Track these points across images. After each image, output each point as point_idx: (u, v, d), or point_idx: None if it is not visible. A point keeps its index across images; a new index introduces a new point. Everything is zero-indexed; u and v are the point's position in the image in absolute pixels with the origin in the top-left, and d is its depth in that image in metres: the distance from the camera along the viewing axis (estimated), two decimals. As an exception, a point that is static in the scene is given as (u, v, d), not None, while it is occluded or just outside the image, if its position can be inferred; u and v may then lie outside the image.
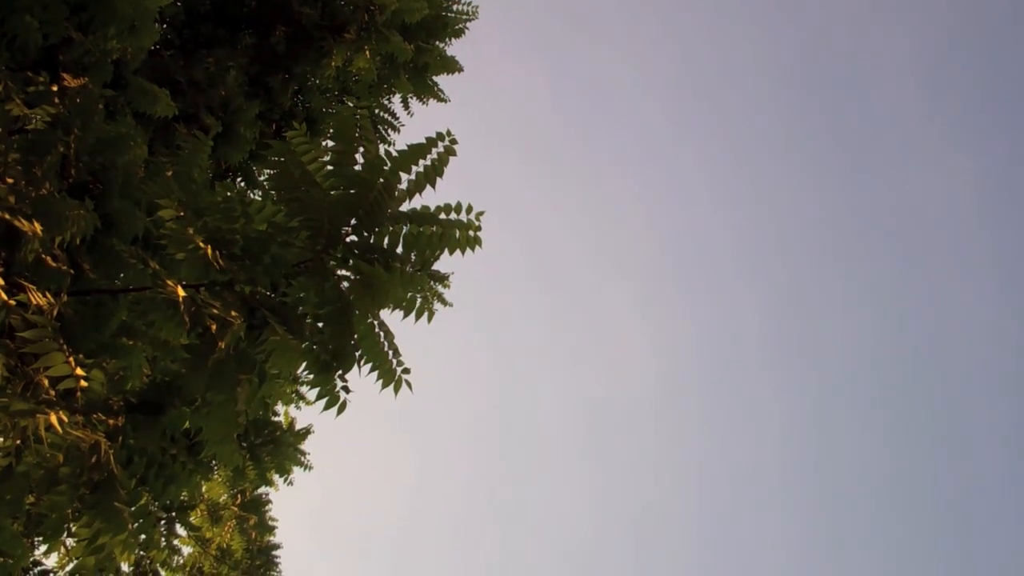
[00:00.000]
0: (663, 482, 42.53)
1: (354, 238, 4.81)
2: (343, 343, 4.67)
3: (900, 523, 41.02)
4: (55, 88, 5.30)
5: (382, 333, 4.70)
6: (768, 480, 42.27)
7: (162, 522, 8.90)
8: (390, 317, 4.79)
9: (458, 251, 4.74)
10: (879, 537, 39.88)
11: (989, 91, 37.10)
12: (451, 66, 12.49)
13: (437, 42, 12.34)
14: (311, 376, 4.73)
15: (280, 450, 7.80)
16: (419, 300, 4.80)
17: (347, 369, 4.65)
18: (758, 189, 39.44)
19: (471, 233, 4.72)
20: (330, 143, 4.71)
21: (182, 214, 4.65)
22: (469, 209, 4.71)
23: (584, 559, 41.20)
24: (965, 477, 41.13)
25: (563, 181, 39.97)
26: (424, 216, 4.73)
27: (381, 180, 4.62)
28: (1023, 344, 38.34)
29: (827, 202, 39.68)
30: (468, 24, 12.51)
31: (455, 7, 12.32)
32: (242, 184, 11.38)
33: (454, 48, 12.66)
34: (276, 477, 8.96)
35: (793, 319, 41.16)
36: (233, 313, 4.39)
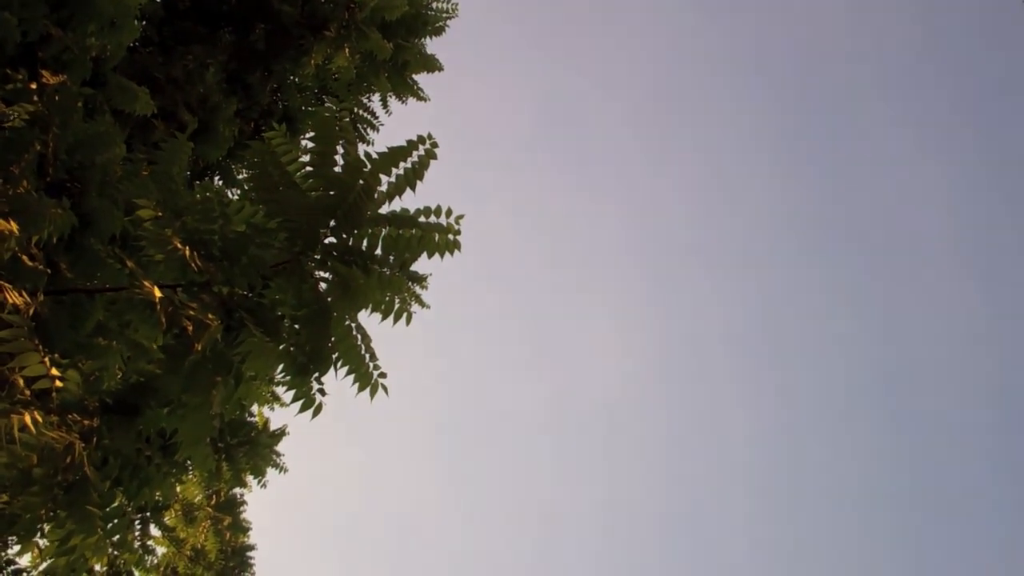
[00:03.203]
0: (636, 482, 42.72)
1: (333, 240, 4.81)
2: (320, 345, 4.68)
3: (893, 526, 41.40)
4: (34, 86, 5.27)
5: (359, 336, 4.71)
6: (748, 484, 42.54)
7: (136, 522, 8.84)
8: (367, 319, 4.81)
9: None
10: (874, 540, 40.25)
11: (971, 95, 37.54)
12: (431, 64, 12.45)
13: (417, 40, 12.32)
14: (287, 377, 4.74)
15: (256, 451, 7.78)
16: (397, 302, 4.82)
17: (323, 372, 4.66)
18: (741, 191, 39.70)
19: (450, 236, 4.75)
20: (310, 144, 4.72)
21: (160, 214, 4.64)
22: (449, 212, 4.73)
23: (551, 559, 41.31)
24: (952, 480, 41.61)
25: (541, 182, 40.02)
26: (403, 219, 4.75)
27: (361, 182, 4.63)
28: (1011, 348, 38.75)
29: (812, 203, 40.03)
30: (448, 22, 12.50)
31: (435, 4, 12.29)
32: (220, 182, 11.33)
33: (434, 47, 12.64)
34: (250, 479, 8.93)
35: (774, 322, 41.46)
36: (210, 315, 4.39)
